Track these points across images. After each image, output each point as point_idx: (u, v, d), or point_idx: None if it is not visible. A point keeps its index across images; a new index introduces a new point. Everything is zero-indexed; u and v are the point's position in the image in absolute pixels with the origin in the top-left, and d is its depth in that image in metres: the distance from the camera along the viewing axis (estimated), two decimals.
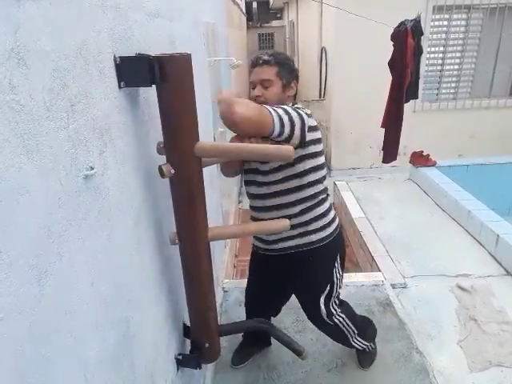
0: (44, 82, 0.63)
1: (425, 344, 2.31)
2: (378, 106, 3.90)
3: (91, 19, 0.82)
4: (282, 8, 13.31)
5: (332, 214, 1.67)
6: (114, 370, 0.89)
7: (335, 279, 1.74)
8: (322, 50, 6.06)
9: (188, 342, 1.53)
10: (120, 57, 0.94)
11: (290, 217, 1.50)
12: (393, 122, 3.64)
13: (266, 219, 1.55)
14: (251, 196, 1.65)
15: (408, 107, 3.84)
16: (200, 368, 1.50)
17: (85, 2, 0.79)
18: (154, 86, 1.04)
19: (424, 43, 3.76)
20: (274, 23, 14.68)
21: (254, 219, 1.66)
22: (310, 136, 1.43)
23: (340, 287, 1.80)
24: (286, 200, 1.54)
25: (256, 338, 2.23)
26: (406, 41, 3.37)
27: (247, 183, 1.65)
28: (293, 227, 1.53)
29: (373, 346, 2.12)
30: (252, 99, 1.48)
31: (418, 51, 3.52)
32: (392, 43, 3.52)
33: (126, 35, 1.00)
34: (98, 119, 0.83)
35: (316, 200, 1.57)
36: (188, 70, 1.06)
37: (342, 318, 1.86)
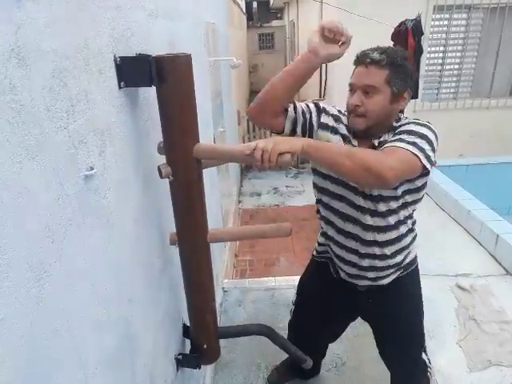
0: (44, 82, 0.63)
1: None
2: None
3: (91, 19, 0.82)
4: (283, 8, 13.31)
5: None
6: (114, 370, 0.89)
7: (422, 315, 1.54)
8: None
9: (188, 341, 1.53)
10: (120, 57, 0.94)
11: (387, 257, 1.35)
12: None
13: (357, 254, 1.38)
14: (342, 218, 1.37)
15: (408, 107, 3.83)
16: (199, 368, 1.50)
17: (85, 2, 0.79)
18: (154, 86, 1.04)
19: (424, 43, 3.76)
20: (275, 23, 14.68)
21: (338, 257, 1.45)
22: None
23: None
24: (384, 237, 1.33)
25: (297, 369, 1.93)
26: (407, 41, 3.37)
27: (334, 197, 1.36)
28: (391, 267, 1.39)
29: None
30: (349, 107, 1.23)
31: (419, 51, 3.53)
32: (392, 43, 3.52)
33: (126, 35, 1.00)
34: (98, 119, 0.83)
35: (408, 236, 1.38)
36: (188, 71, 1.06)
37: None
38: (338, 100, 5.34)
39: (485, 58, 5.25)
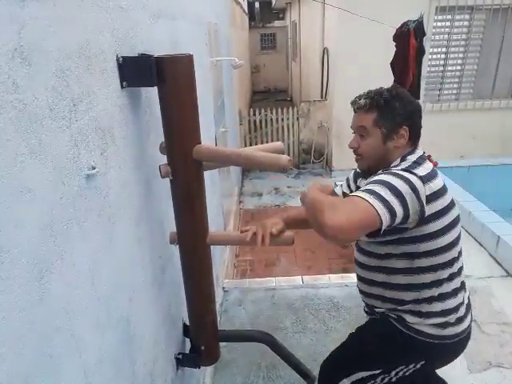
0: (47, 81, 0.64)
1: None
2: None
3: (94, 19, 0.82)
4: (285, 8, 13.30)
5: (455, 315, 1.30)
6: (114, 369, 0.89)
7: (392, 372, 1.35)
8: (324, 51, 6.06)
9: (188, 341, 1.54)
10: (123, 57, 0.94)
11: (401, 302, 1.26)
12: None
13: (368, 294, 1.35)
14: (356, 262, 1.38)
15: None
16: (199, 367, 1.50)
17: (88, 3, 0.79)
18: (156, 86, 1.04)
19: (426, 44, 3.76)
20: (277, 23, 14.68)
21: (360, 291, 1.41)
22: (429, 209, 1.09)
23: None
24: (392, 280, 1.25)
25: None
26: (409, 41, 3.37)
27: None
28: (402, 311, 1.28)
29: None
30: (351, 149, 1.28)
31: (420, 52, 3.52)
32: (394, 44, 3.52)
33: (128, 35, 1.00)
34: (101, 119, 0.84)
35: (431, 293, 1.24)
36: (189, 71, 1.06)
37: None
38: (338, 100, 5.34)
39: (487, 59, 5.25)
